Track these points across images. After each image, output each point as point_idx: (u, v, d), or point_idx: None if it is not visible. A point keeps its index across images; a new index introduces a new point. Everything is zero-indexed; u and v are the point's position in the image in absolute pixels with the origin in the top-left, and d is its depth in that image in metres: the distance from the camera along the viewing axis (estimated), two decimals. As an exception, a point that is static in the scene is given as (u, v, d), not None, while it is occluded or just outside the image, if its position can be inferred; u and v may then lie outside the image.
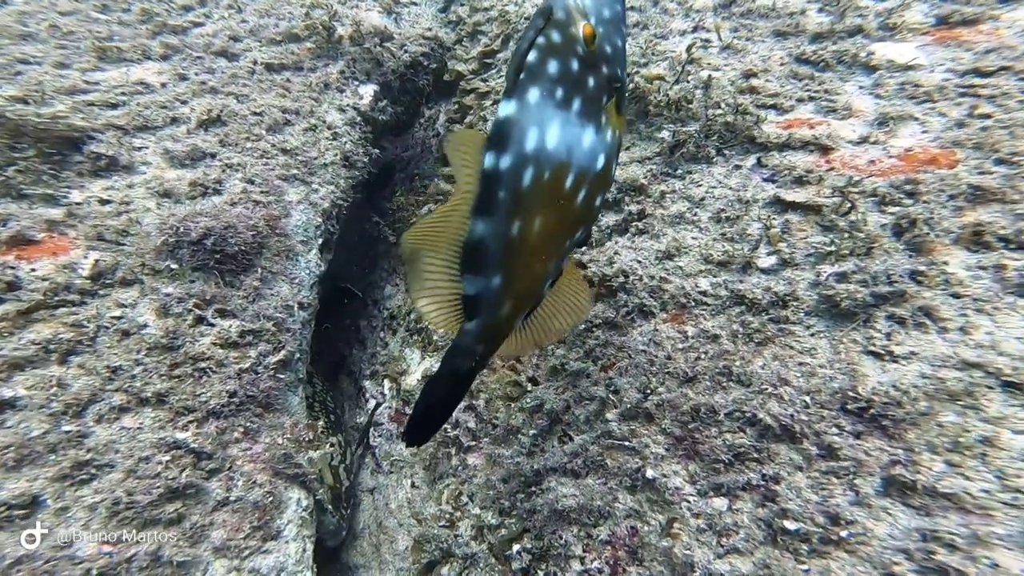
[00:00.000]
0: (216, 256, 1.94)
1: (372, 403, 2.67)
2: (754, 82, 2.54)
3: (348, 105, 2.77)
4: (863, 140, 2.22)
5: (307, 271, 2.21)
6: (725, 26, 3.02)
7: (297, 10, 3.19)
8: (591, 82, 1.12)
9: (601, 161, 1.17)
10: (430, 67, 3.26)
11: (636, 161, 2.38)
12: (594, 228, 2.15)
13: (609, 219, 2.29)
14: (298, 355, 2.08)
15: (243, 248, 1.98)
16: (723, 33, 2.94)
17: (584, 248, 2.25)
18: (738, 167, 2.26)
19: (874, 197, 1.98)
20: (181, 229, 1.90)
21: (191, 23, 3.06)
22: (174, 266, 1.88)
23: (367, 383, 2.90)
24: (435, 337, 2.71)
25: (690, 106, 2.44)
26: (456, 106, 3.64)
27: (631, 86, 2.64)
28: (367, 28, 3.03)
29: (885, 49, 2.60)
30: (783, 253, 1.92)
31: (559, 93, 1.06)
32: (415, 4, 3.64)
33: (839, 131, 2.27)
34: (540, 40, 1.05)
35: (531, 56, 1.04)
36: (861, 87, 2.48)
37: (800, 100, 2.42)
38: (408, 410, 2.68)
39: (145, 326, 1.79)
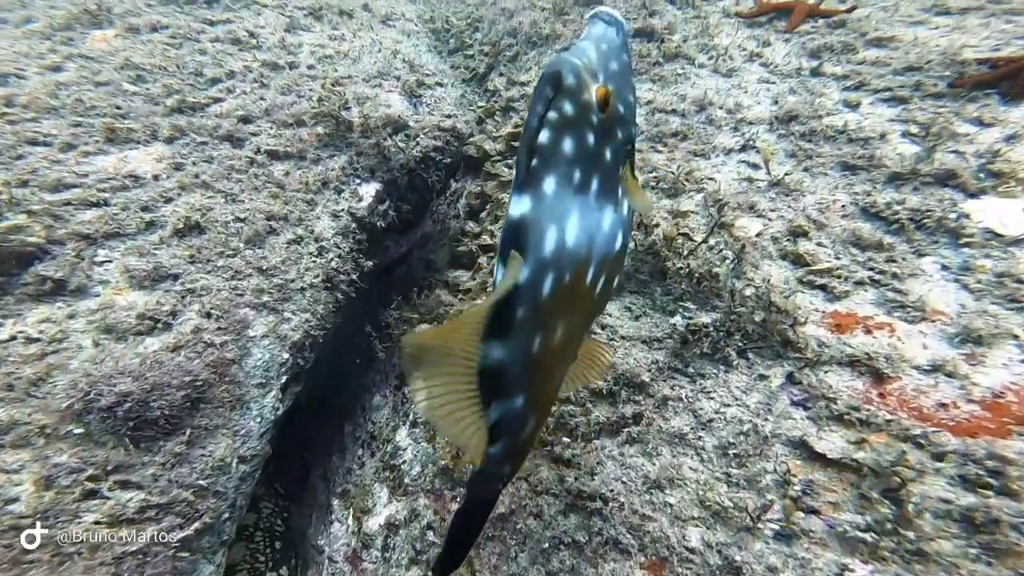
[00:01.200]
0: (131, 423, 1.67)
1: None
2: (803, 246, 1.93)
3: (343, 210, 2.41)
4: (935, 368, 1.56)
5: (259, 419, 1.90)
6: (779, 150, 2.40)
7: (317, 88, 2.86)
8: (608, 154, 0.91)
9: (619, 240, 0.97)
10: (443, 162, 2.81)
11: (643, 341, 1.86)
12: (583, 419, 1.81)
13: (601, 412, 1.79)
14: (226, 516, 1.80)
15: (169, 411, 1.70)
16: (773, 163, 2.31)
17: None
18: (763, 377, 1.69)
19: (938, 464, 1.36)
20: (91, 394, 1.63)
21: (211, 99, 2.83)
22: (78, 431, 1.64)
23: (335, 501, 2.57)
24: (406, 480, 2.29)
25: (716, 283, 1.87)
26: (478, 190, 3.22)
27: (652, 237, 2.06)
28: (379, 118, 2.67)
29: (983, 210, 1.92)
30: (798, 527, 1.41)
31: (577, 176, 0.87)
32: (441, 86, 3.25)
33: (904, 345, 1.64)
34: (552, 115, 0.84)
35: (543, 136, 0.84)
36: (944, 268, 1.81)
37: (859, 283, 1.80)
38: (365, 555, 2.46)
39: (15, 500, 1.52)
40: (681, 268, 1.91)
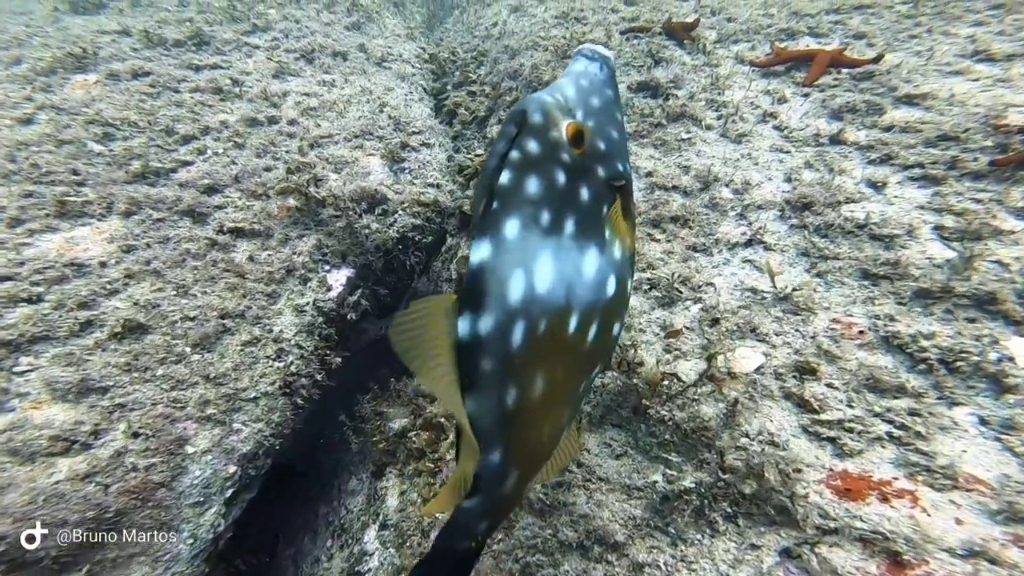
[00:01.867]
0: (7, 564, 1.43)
1: None
2: (810, 389, 1.56)
3: (309, 304, 2.12)
4: (972, 552, 1.22)
5: (192, 540, 1.66)
6: (789, 246, 2.04)
7: (295, 149, 2.63)
8: (585, 193, 0.84)
9: (612, 285, 0.87)
10: (423, 241, 2.49)
11: (620, 489, 1.56)
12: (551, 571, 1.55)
13: (571, 566, 1.48)
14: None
15: (59, 552, 1.47)
16: (782, 261, 1.96)
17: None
18: (755, 547, 1.36)
19: None
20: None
21: (179, 163, 2.55)
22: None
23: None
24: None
25: (705, 434, 1.55)
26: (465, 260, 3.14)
27: (630, 353, 1.74)
28: (353, 192, 2.38)
29: None
30: None
31: (545, 217, 0.79)
32: (427, 146, 2.93)
33: (931, 520, 1.29)
34: (514, 154, 0.77)
35: (504, 177, 0.77)
36: (983, 423, 1.45)
37: (877, 439, 1.45)
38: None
39: None
40: (665, 417, 1.56)
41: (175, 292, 2.02)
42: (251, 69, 3.65)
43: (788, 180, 2.41)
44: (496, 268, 0.76)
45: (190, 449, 1.75)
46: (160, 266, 2.08)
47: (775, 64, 3.35)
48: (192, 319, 1.95)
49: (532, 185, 0.79)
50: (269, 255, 2.24)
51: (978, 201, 2.09)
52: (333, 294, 2.27)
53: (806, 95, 3.02)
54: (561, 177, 0.81)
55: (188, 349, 1.89)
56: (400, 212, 2.44)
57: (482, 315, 0.76)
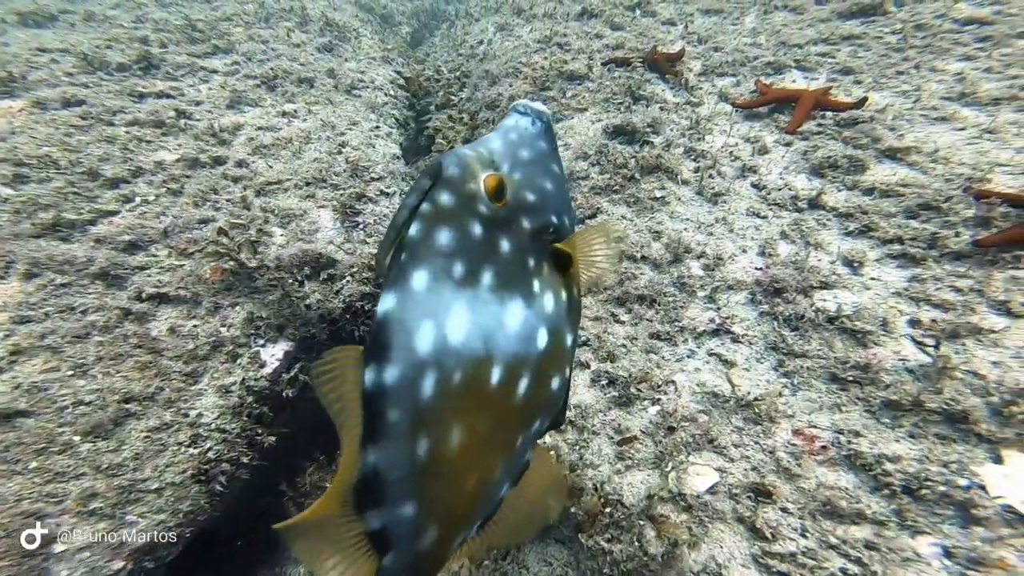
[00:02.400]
0: None
1: None
2: (763, 515, 1.42)
3: (236, 383, 1.93)
4: None
5: None
6: (758, 337, 1.90)
7: (237, 197, 2.43)
8: (505, 244, 0.83)
9: (543, 337, 0.85)
10: (374, 310, 2.30)
11: None
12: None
13: None
14: None
15: None
16: (749, 355, 1.84)
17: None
18: None
19: None
20: None
21: (99, 213, 2.32)
22: None
23: None
24: None
25: (647, 570, 1.40)
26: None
27: (574, 510, 1.57)
28: (295, 256, 2.21)
29: (1004, 480, 1.43)
30: None
31: (457, 269, 0.78)
32: (386, 195, 2.75)
33: None
34: (425, 207, 0.77)
35: (412, 229, 0.77)
36: (947, 555, 1.36)
37: None
38: None
39: None
40: (605, 548, 1.39)
41: (71, 372, 1.83)
42: (203, 98, 3.47)
43: (762, 254, 2.27)
44: (402, 319, 0.75)
45: (59, 548, 1.56)
46: (58, 340, 1.89)
47: (758, 105, 3.23)
48: (87, 404, 1.76)
49: (443, 237, 0.78)
50: (195, 326, 2.06)
51: (957, 290, 1.96)
52: (267, 371, 2.09)
53: (788, 144, 2.90)
54: (477, 229, 0.81)
55: (77, 438, 1.70)
56: (348, 278, 2.27)
57: (387, 366, 0.74)
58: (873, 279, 2.07)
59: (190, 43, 4.16)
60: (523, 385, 0.85)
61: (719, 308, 2.07)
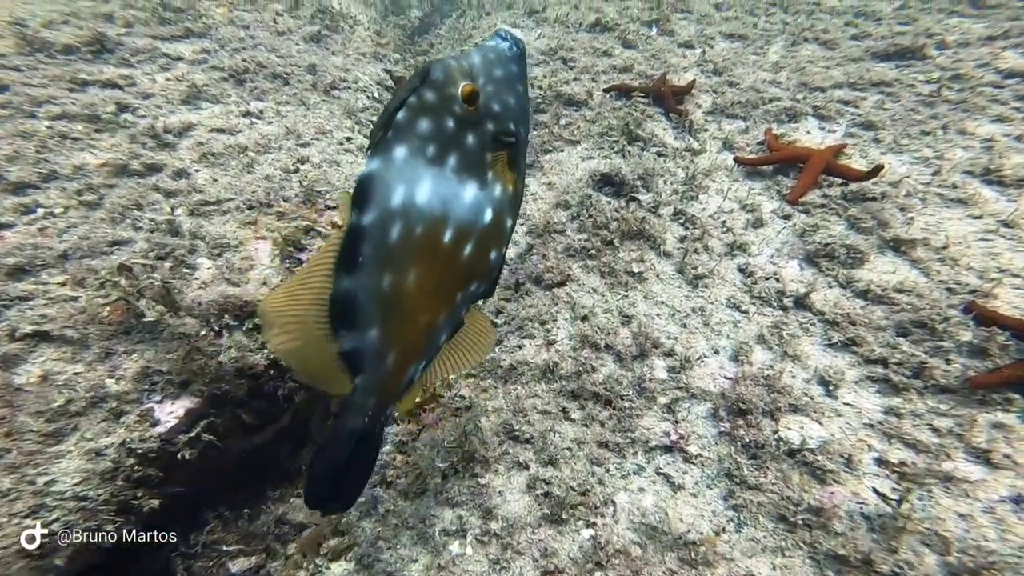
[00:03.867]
0: None
1: None
2: None
3: (111, 446, 1.73)
4: None
5: None
6: (712, 460, 1.74)
7: (163, 216, 2.23)
8: (470, 139, 1.04)
9: (488, 215, 1.07)
10: None
11: None
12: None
13: None
14: None
15: None
16: (699, 478, 1.70)
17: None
18: None
19: None
20: None
21: None
22: None
23: None
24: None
25: None
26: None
27: None
28: (212, 300, 1.99)
29: None
30: None
31: (430, 150, 0.99)
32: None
33: None
34: (412, 100, 0.97)
35: (400, 115, 0.96)
36: None
37: None
38: None
39: None
40: None
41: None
42: (156, 90, 3.25)
43: (735, 359, 2.06)
44: (383, 178, 0.94)
45: None
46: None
47: (763, 164, 3.00)
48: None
49: (423, 125, 0.97)
50: (74, 375, 1.86)
51: (935, 430, 1.75)
52: (160, 430, 1.89)
53: (787, 216, 2.67)
54: (450, 124, 1.00)
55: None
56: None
57: (366, 212, 0.93)
58: (847, 404, 1.86)
59: (159, 23, 3.91)
60: (467, 248, 1.06)
61: (677, 421, 1.87)
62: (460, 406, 2.13)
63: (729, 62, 3.96)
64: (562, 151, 3.19)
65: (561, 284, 2.37)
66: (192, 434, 1.94)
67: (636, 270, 2.32)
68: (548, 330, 2.22)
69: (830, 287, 2.21)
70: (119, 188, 2.43)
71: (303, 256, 2.30)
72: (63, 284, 2.00)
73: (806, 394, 1.83)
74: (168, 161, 2.64)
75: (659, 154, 3.02)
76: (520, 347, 2.20)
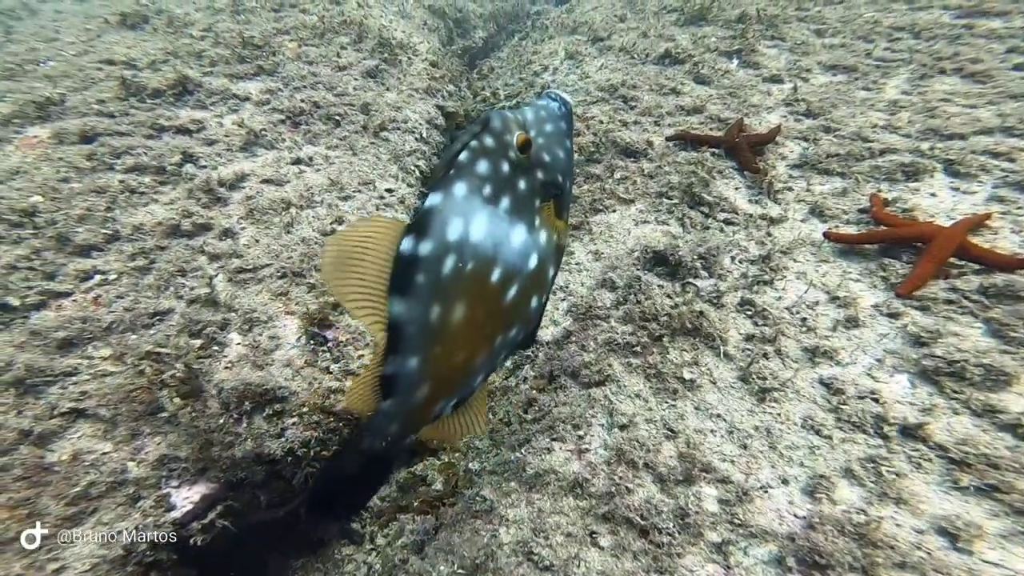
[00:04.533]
0: None
1: None
2: None
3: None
4: None
5: None
6: None
7: (199, 290, 2.26)
8: (522, 184, 1.14)
9: (534, 261, 1.16)
10: (321, 454, 1.99)
11: None
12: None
13: None
14: None
15: None
16: None
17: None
18: None
19: None
20: None
21: (51, 294, 2.24)
22: None
23: None
24: None
25: None
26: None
27: None
28: (234, 387, 1.97)
29: None
30: None
31: (487, 190, 1.08)
32: None
33: None
34: (473, 143, 1.09)
35: (462, 156, 1.07)
36: None
37: None
38: None
39: None
40: None
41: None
42: (220, 135, 3.38)
43: (811, 493, 1.73)
44: (442, 211, 1.03)
45: None
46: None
47: (865, 242, 2.53)
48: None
49: (482, 166, 1.08)
50: (103, 455, 1.91)
51: None
52: (175, 515, 1.90)
53: (893, 315, 2.24)
54: (505, 167, 1.11)
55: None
56: (296, 419, 2.02)
57: (424, 240, 1.01)
58: (989, 563, 1.49)
59: (238, 62, 4.10)
60: (512, 291, 1.13)
61: (729, 566, 1.59)
62: (480, 508, 1.96)
63: (828, 101, 3.49)
64: (613, 211, 2.93)
65: (600, 384, 2.13)
66: (207, 520, 1.91)
67: (687, 376, 2.04)
68: (581, 436, 2.00)
69: (955, 414, 1.81)
70: (169, 251, 2.49)
71: (328, 334, 2.24)
72: (106, 359, 2.05)
73: (920, 547, 1.48)
74: (217, 220, 2.69)
75: (727, 223, 2.68)
76: (549, 450, 2.00)
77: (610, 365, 2.17)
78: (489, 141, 1.10)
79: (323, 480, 1.26)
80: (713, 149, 3.12)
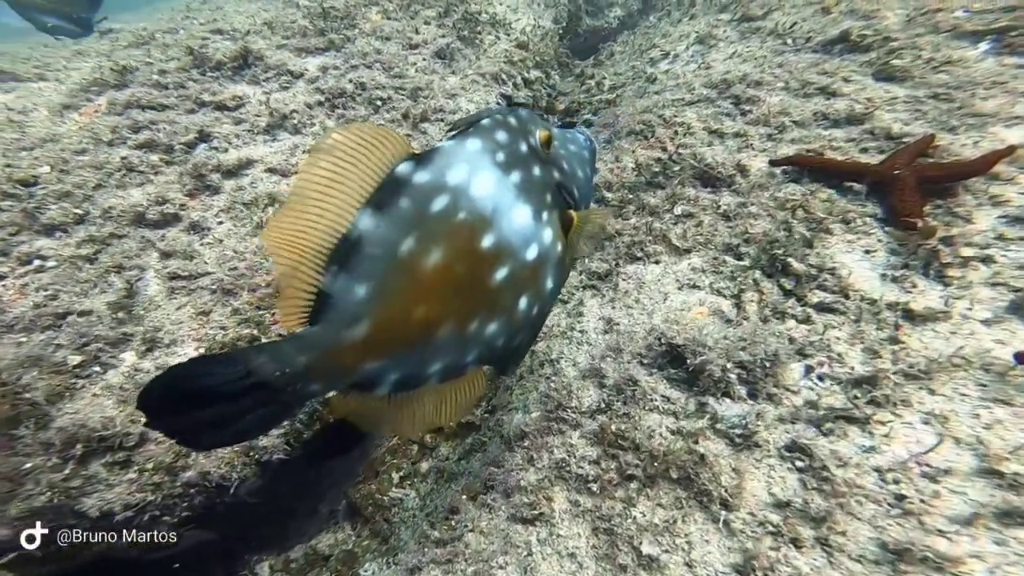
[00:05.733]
0: None
1: None
2: None
3: None
4: None
5: None
6: None
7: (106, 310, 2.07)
8: (537, 170, 1.12)
9: (533, 252, 1.08)
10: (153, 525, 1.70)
11: None
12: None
13: None
14: None
15: None
16: None
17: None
18: None
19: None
20: None
21: None
22: None
23: None
24: None
25: None
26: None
27: None
28: (65, 426, 1.73)
29: None
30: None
31: (500, 156, 1.06)
32: None
33: None
34: (498, 115, 1.11)
35: (485, 120, 1.09)
36: None
37: None
38: None
39: None
40: None
41: None
42: (250, 115, 3.25)
43: None
44: (449, 154, 1.02)
45: None
46: None
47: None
48: None
49: (501, 135, 1.08)
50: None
51: None
52: None
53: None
54: (524, 147, 1.11)
55: None
56: (133, 475, 1.72)
57: (421, 168, 0.98)
58: None
59: (316, 35, 4.00)
60: (501, 272, 1.05)
61: None
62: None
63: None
64: (656, 262, 2.08)
65: (529, 522, 1.45)
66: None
67: (648, 550, 1.24)
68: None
69: None
70: (124, 241, 2.35)
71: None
72: None
73: None
74: (191, 211, 2.50)
75: (823, 308, 1.69)
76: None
77: (550, 499, 1.47)
78: (513, 121, 1.11)
79: (170, 375, 0.84)
80: (853, 183, 2.03)
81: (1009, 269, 1.71)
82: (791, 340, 1.63)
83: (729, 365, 1.57)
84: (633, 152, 2.71)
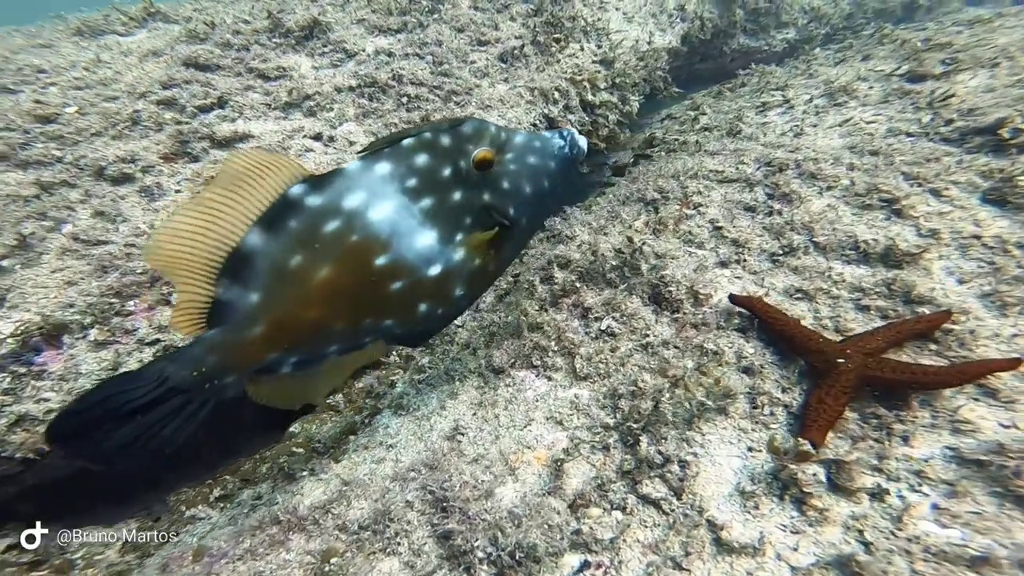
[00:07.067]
0: None
1: None
2: None
3: None
4: None
5: None
6: None
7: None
8: (457, 195, 1.20)
9: (436, 270, 1.22)
10: None
11: None
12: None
13: None
14: None
15: None
16: None
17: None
18: None
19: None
20: None
21: None
22: None
23: None
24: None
25: None
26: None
27: None
28: None
29: None
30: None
31: (412, 182, 1.15)
32: None
33: None
34: (426, 135, 1.16)
35: (406, 141, 1.15)
36: None
37: None
38: None
39: None
40: None
41: None
42: (278, 90, 3.37)
43: None
44: (351, 179, 1.12)
45: None
46: None
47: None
48: None
49: (420, 159, 1.15)
50: None
51: None
52: None
53: None
54: (446, 172, 1.18)
55: None
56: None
57: (318, 192, 1.09)
58: None
59: (385, 13, 4.05)
60: (396, 284, 1.20)
61: None
62: None
63: None
64: (548, 378, 1.72)
65: None
66: None
67: None
68: None
69: None
70: (71, 190, 2.56)
71: (42, 356, 1.95)
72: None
73: None
74: (155, 175, 2.66)
75: (649, 502, 1.22)
76: None
77: None
78: (445, 140, 1.17)
79: (82, 403, 1.05)
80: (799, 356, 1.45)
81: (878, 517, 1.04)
82: (578, 532, 1.19)
83: (483, 543, 1.19)
84: (631, 226, 2.21)
